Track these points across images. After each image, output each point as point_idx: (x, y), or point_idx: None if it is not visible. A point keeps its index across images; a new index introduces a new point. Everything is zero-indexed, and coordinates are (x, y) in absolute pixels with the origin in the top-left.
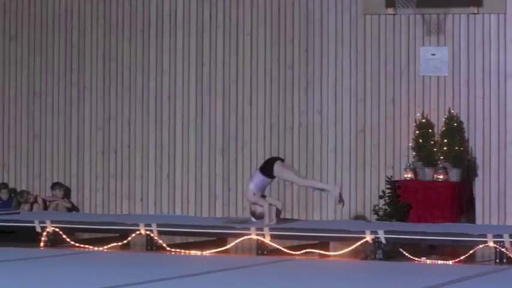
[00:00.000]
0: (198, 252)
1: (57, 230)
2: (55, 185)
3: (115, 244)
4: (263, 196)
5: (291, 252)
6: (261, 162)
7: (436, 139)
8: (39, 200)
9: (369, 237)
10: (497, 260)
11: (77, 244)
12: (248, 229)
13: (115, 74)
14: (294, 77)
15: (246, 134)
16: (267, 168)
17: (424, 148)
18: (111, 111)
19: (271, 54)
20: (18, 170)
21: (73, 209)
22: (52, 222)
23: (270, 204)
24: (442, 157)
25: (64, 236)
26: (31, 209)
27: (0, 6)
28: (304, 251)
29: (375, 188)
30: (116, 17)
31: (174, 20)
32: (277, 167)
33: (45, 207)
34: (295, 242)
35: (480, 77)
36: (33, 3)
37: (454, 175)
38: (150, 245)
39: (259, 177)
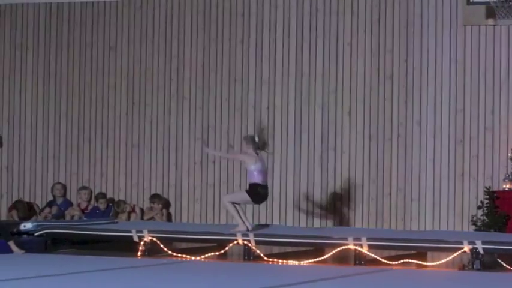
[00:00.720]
0: (296, 262)
1: (154, 239)
2: (154, 197)
3: (212, 254)
4: None
5: (388, 262)
6: (359, 173)
7: None
8: (137, 210)
9: (466, 248)
10: None
11: (175, 254)
12: (346, 239)
13: (214, 85)
14: (393, 87)
15: (344, 144)
16: None
17: None
18: (209, 121)
19: (370, 64)
20: (117, 180)
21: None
22: (149, 231)
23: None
24: None
25: (161, 246)
26: (129, 218)
27: (100, 18)
28: (401, 261)
29: (473, 198)
30: (215, 27)
31: (274, 30)
32: None
33: (143, 217)
34: (393, 252)
35: None
36: (133, 14)
37: None
38: (248, 254)
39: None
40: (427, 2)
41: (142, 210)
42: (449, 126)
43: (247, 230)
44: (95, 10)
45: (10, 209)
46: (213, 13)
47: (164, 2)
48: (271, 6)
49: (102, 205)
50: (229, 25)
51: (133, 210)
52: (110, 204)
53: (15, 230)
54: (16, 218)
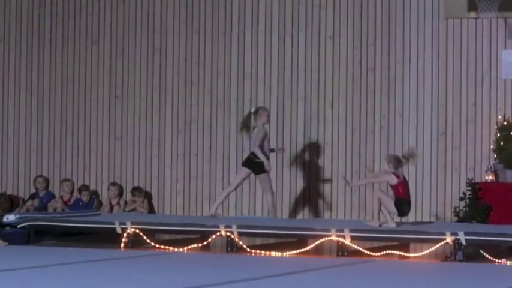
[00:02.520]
0: (278, 254)
1: (137, 231)
2: (135, 190)
3: (195, 245)
4: None
5: (371, 253)
6: (341, 164)
7: None
8: (121, 202)
9: (449, 239)
10: None
11: (157, 245)
12: (328, 230)
13: (196, 78)
14: (375, 80)
15: (327, 137)
16: None
17: (505, 150)
18: (192, 114)
19: (352, 57)
20: (99, 172)
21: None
22: (132, 223)
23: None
24: None
25: (144, 237)
26: (111, 210)
27: (83, 10)
28: (384, 252)
29: (455, 190)
30: (198, 20)
31: (256, 24)
32: None
33: (125, 209)
34: (375, 244)
35: None
36: (115, 7)
37: None
38: (231, 246)
39: None
40: None
41: (125, 202)
42: (431, 119)
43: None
44: (77, 2)
45: None
46: (195, 6)
47: None
48: None
49: (85, 197)
50: (211, 18)
51: (117, 202)
52: (93, 196)
53: None
54: None
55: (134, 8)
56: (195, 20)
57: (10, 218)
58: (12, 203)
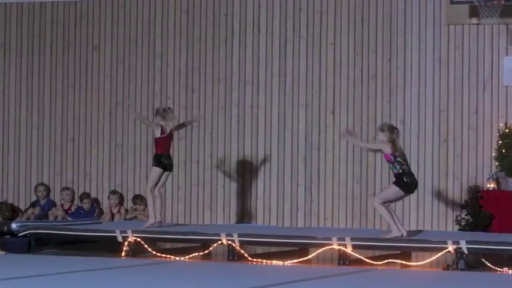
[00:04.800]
0: (280, 262)
1: (138, 239)
2: (136, 198)
3: (196, 254)
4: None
5: (372, 262)
6: (343, 172)
7: None
8: (122, 210)
9: (451, 248)
10: None
11: (158, 254)
12: (330, 239)
13: (198, 84)
14: (376, 87)
15: (328, 143)
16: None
17: (507, 158)
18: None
19: (354, 64)
20: (100, 180)
21: None
22: (133, 232)
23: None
24: None
25: (145, 246)
26: (112, 219)
27: (84, 16)
28: (386, 261)
29: (457, 198)
30: (199, 27)
31: (258, 30)
32: None
33: (126, 218)
34: (377, 252)
35: None
36: (116, 13)
37: None
38: (232, 255)
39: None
40: (411, 1)
41: (126, 210)
42: (433, 126)
43: (402, 236)
44: (78, 9)
45: None
46: (196, 13)
47: (147, 1)
48: (254, 6)
49: (86, 205)
50: (212, 25)
51: (118, 210)
52: (94, 204)
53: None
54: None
55: (135, 15)
56: (196, 27)
57: (11, 226)
58: (13, 211)
